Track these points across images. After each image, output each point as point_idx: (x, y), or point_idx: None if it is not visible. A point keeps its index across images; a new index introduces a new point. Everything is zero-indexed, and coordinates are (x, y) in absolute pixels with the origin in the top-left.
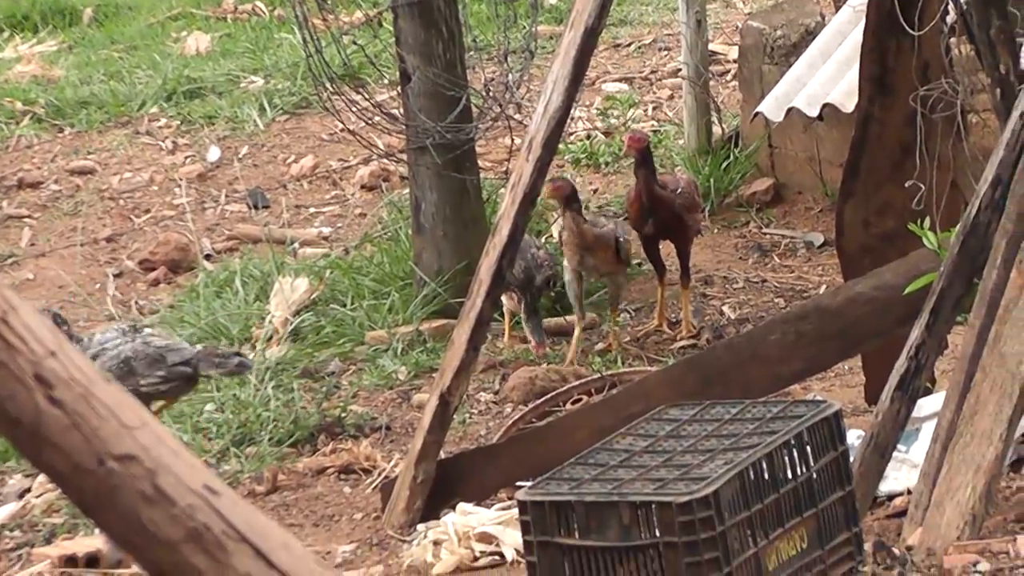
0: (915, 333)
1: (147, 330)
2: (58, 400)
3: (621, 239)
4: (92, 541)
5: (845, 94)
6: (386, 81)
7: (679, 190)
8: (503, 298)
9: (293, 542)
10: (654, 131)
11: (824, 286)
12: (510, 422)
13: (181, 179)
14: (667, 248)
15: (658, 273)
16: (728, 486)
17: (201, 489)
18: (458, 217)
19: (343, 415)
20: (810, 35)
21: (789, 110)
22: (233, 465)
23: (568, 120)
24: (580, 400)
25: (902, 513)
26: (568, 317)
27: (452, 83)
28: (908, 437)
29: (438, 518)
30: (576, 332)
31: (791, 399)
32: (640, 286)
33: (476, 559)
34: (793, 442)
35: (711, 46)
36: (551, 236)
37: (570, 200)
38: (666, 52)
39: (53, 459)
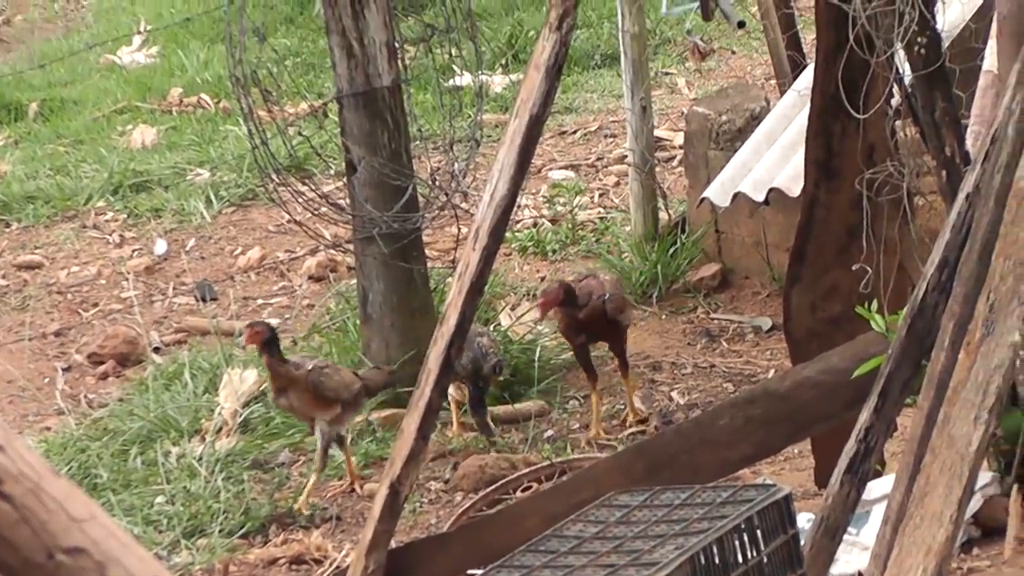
0: (864, 416)
1: None
2: (7, 494)
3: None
4: None
5: (791, 178)
6: (332, 172)
7: (606, 296)
8: (451, 388)
9: None
10: (601, 218)
11: (772, 370)
12: (460, 510)
13: (129, 272)
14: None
15: (590, 379)
16: (679, 571)
17: None
18: (405, 306)
19: (294, 506)
20: (755, 120)
21: (735, 195)
22: (184, 557)
23: (515, 208)
24: (530, 488)
25: None
26: (517, 405)
27: (398, 173)
28: (859, 520)
29: None
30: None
31: (741, 483)
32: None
33: None
34: (743, 526)
35: (657, 132)
36: (499, 324)
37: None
38: (612, 139)
39: (3, 554)
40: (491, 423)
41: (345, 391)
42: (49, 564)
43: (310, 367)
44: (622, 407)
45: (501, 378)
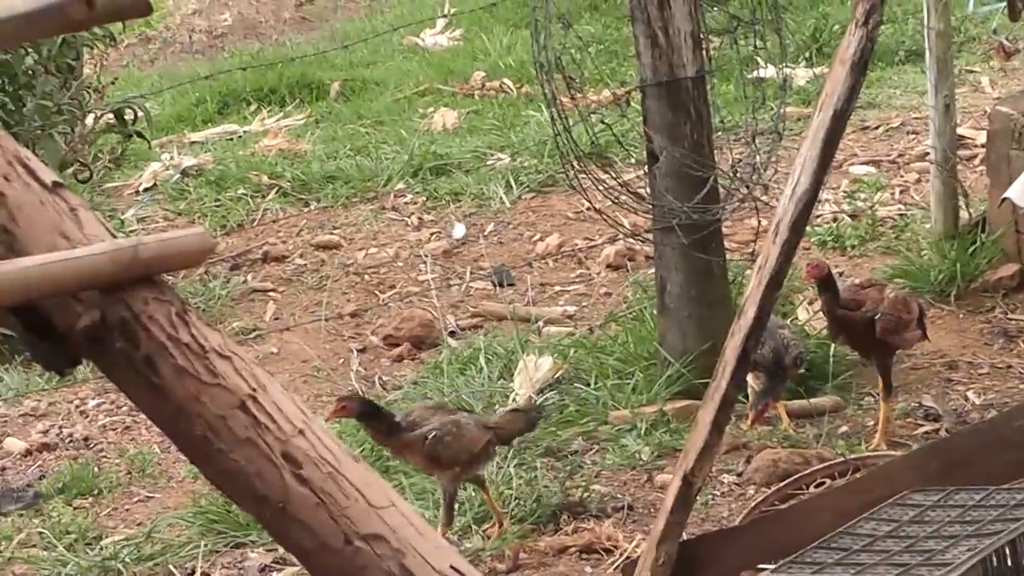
0: None
1: None
2: (306, 479)
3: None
4: None
5: None
6: (633, 160)
7: (878, 314)
8: (749, 378)
9: None
10: (900, 215)
11: None
12: (753, 504)
13: (426, 255)
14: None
15: (885, 391)
16: (972, 572)
17: (447, 570)
18: (703, 298)
19: (585, 494)
20: None
21: None
22: (475, 543)
23: (815, 203)
24: (823, 483)
25: None
26: (813, 400)
27: (699, 163)
28: None
29: None
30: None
31: None
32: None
33: None
34: None
35: (959, 130)
36: (796, 318)
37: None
38: (914, 136)
39: (300, 537)
40: (770, 412)
41: (466, 454)
42: (347, 550)
43: (430, 432)
44: (916, 405)
45: (801, 370)
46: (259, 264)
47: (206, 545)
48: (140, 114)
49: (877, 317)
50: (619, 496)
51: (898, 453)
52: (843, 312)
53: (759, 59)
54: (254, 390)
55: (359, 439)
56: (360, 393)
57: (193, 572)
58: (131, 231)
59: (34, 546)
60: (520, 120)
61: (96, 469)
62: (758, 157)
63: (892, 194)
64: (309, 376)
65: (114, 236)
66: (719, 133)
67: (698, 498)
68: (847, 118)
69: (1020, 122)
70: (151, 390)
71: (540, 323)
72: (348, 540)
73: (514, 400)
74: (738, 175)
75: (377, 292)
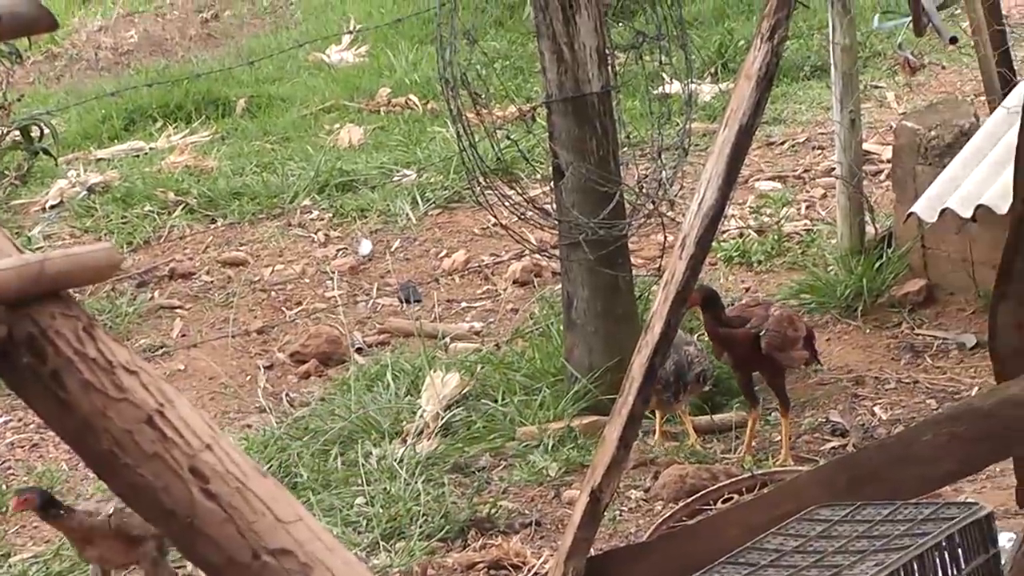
0: None
1: None
2: (214, 493)
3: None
4: None
5: (999, 195)
6: (539, 176)
7: (764, 330)
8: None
9: None
10: (807, 230)
11: (976, 388)
12: (660, 520)
13: (333, 272)
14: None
15: (750, 403)
16: None
17: None
18: (610, 313)
19: (493, 510)
20: (964, 136)
21: (943, 211)
22: (383, 559)
23: (721, 218)
24: (731, 499)
25: None
26: (717, 416)
27: (606, 179)
28: None
29: None
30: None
31: (942, 501)
32: (790, 385)
33: None
34: (944, 544)
35: (865, 145)
36: (703, 335)
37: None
38: (820, 151)
39: (207, 552)
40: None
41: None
42: (255, 564)
43: (110, 510)
44: (823, 420)
45: (705, 389)
46: (166, 281)
47: None
48: (46, 131)
49: (762, 333)
50: (527, 512)
51: (805, 468)
52: (725, 331)
53: (665, 75)
54: (161, 405)
55: (267, 455)
56: (38, 486)
57: None
58: (38, 248)
59: None
60: (426, 136)
61: (3, 487)
62: (664, 172)
63: (798, 209)
64: (216, 393)
65: (21, 251)
66: (625, 149)
67: (606, 514)
68: (753, 133)
69: (926, 137)
70: (58, 405)
71: (447, 339)
72: (256, 555)
73: (420, 416)
74: (644, 191)
75: (284, 309)
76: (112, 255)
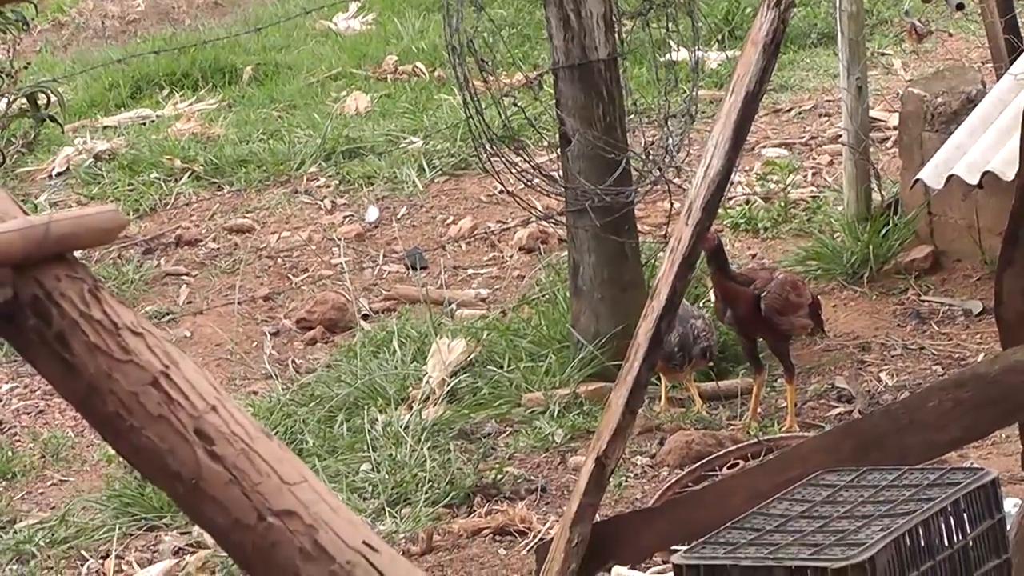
0: None
1: None
2: (218, 455)
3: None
4: None
5: (1006, 162)
6: (545, 143)
7: (765, 291)
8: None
9: None
10: (813, 197)
11: (982, 354)
12: (666, 486)
13: (339, 239)
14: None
15: (753, 368)
16: (884, 552)
17: (360, 546)
18: (616, 280)
19: (499, 477)
20: (971, 103)
21: (949, 178)
22: (388, 525)
23: (728, 185)
24: (736, 465)
25: None
26: (723, 382)
27: (612, 146)
28: None
29: None
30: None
31: (948, 467)
32: (796, 351)
33: None
34: (950, 509)
35: (871, 113)
36: (709, 300)
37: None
38: (826, 118)
39: (213, 514)
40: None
41: None
42: (260, 526)
43: None
44: (829, 387)
45: (710, 364)
46: (172, 248)
47: (120, 528)
48: (53, 99)
49: (763, 295)
50: (532, 478)
51: (811, 434)
52: (730, 284)
53: (672, 41)
54: (166, 367)
55: (272, 421)
56: None
57: (107, 555)
58: None
59: None
60: (433, 104)
61: (10, 453)
62: (671, 139)
63: (805, 176)
64: (223, 359)
65: (26, 214)
66: (632, 116)
67: (611, 480)
68: (759, 100)
69: (932, 104)
70: (63, 367)
71: (453, 306)
72: (261, 516)
73: (426, 383)
74: (651, 157)
75: (290, 276)
76: (117, 217)
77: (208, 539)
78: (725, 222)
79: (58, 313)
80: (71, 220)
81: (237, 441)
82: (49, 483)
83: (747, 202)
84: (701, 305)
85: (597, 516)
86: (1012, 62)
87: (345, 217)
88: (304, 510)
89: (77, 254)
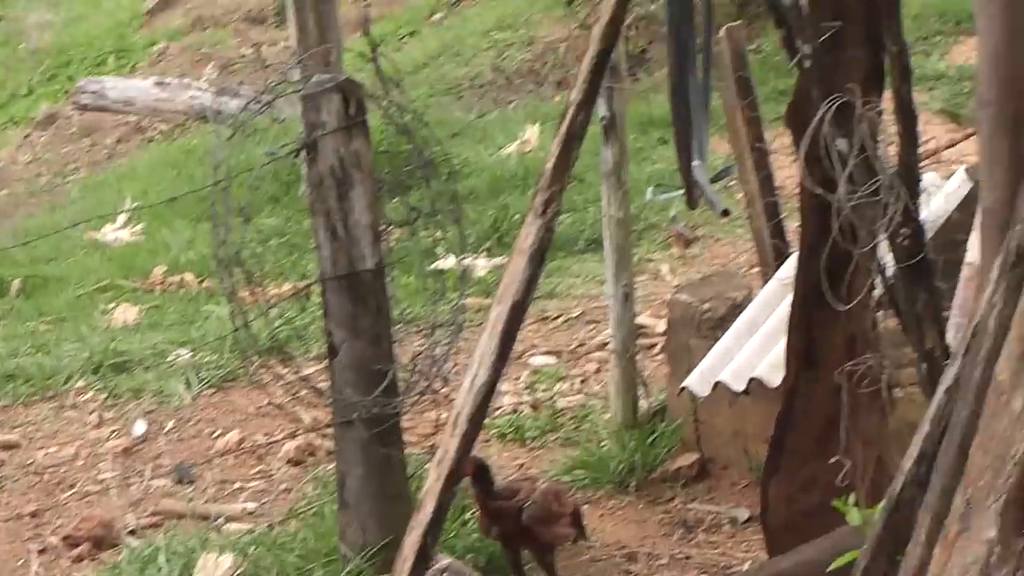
0: None
1: None
2: None
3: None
4: None
5: (772, 367)
6: (313, 354)
7: (528, 502)
8: None
9: None
10: (581, 405)
11: (748, 562)
12: None
13: (107, 454)
14: None
15: None
16: None
17: None
18: (382, 492)
19: None
20: (738, 308)
21: (716, 384)
22: None
23: (494, 395)
24: None
25: None
26: None
27: (379, 357)
28: None
29: None
30: None
31: None
32: (563, 562)
33: None
34: None
35: (639, 319)
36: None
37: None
38: (594, 325)
39: None
40: None
41: None
42: None
43: None
44: None
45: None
46: None
47: None
48: None
49: (526, 506)
50: None
51: None
52: (494, 504)
53: (440, 250)
54: None
55: None
56: None
57: None
58: None
59: None
60: (201, 315)
61: None
62: (438, 349)
63: (572, 384)
64: None
65: None
66: (399, 325)
67: None
68: (525, 309)
69: (699, 310)
70: None
71: (220, 520)
72: None
73: None
74: (417, 368)
75: (57, 492)
76: None
77: None
78: (492, 432)
79: None
80: None
81: None
82: None
83: (514, 411)
84: (470, 515)
85: None
86: (778, 267)
87: (112, 431)
88: None
89: None
